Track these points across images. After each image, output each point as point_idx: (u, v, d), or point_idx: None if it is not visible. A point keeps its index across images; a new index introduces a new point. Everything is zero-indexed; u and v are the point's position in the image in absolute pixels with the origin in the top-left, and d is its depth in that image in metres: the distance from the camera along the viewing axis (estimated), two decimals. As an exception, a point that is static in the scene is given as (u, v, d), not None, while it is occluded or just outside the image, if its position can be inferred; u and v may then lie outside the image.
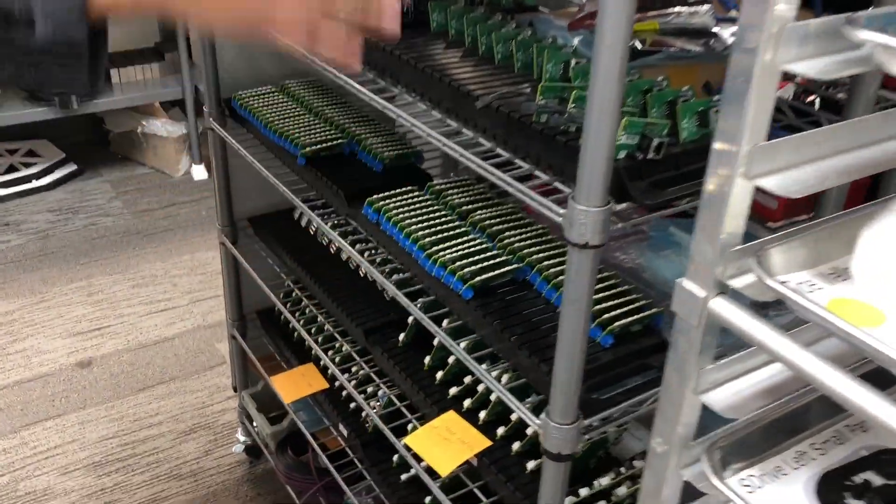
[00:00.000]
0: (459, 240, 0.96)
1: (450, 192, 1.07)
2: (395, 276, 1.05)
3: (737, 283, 0.51)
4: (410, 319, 1.09)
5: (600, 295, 0.86)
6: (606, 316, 0.83)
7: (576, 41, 0.91)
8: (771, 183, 0.48)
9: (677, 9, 0.89)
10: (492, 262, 0.92)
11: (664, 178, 0.72)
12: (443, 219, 1.01)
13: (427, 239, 0.96)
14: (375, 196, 1.05)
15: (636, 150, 0.71)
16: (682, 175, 0.72)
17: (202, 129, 2.81)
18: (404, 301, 0.99)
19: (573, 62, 0.81)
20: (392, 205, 1.03)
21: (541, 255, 0.93)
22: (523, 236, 0.97)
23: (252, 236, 1.52)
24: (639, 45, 0.89)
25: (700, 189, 0.50)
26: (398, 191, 1.06)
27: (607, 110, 0.60)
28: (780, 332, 0.48)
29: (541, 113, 0.72)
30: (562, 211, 0.67)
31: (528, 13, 1.11)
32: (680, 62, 0.87)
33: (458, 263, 0.91)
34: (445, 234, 0.97)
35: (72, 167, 2.82)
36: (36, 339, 2.06)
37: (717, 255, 0.50)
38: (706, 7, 0.89)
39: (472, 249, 0.94)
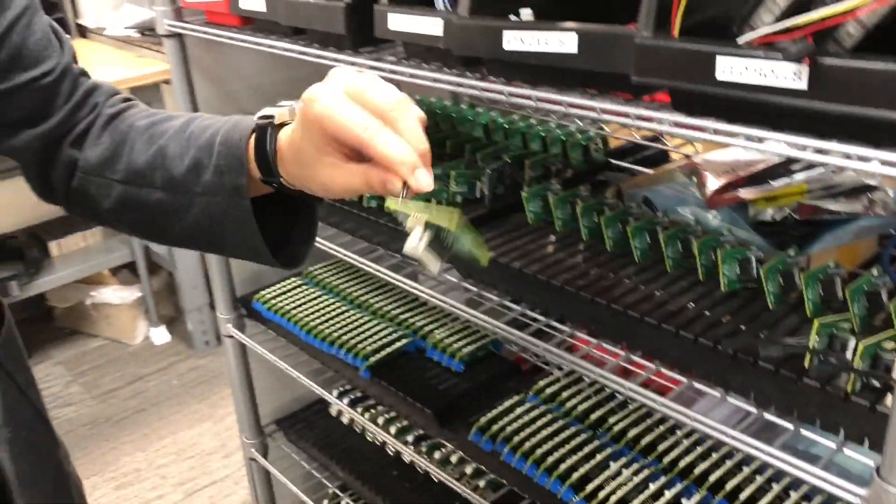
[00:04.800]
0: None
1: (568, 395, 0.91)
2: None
3: None
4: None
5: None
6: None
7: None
8: None
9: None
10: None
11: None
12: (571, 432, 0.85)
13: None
14: (483, 418, 0.88)
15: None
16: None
17: (157, 289, 2.59)
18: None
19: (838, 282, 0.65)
20: (507, 426, 0.87)
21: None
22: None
23: (282, 441, 1.32)
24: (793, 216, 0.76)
25: None
26: (506, 405, 0.90)
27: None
28: None
29: (821, 363, 0.56)
30: (860, 492, 0.52)
31: (609, 173, 0.98)
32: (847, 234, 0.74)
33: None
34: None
35: (15, 352, 2.52)
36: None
37: None
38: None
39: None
